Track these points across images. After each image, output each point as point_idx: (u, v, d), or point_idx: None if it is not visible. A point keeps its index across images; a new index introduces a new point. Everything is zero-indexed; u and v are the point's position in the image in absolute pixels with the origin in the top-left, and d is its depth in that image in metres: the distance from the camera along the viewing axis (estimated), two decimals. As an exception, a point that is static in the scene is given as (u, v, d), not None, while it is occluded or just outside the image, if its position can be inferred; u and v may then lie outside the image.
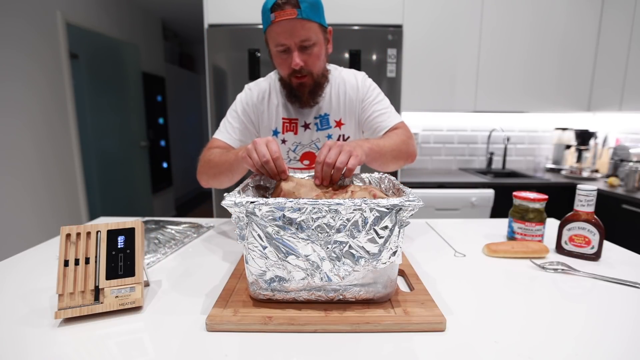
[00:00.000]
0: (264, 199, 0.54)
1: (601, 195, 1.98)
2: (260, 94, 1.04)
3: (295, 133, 1.04)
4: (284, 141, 1.04)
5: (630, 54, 2.17)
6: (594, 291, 0.68)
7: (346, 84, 1.04)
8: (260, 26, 1.97)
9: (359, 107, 1.04)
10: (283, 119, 1.03)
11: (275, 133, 1.04)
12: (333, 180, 0.73)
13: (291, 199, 0.54)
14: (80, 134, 2.76)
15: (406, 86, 2.28)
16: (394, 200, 0.54)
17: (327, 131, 1.05)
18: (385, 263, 0.56)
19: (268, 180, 0.80)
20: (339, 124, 1.05)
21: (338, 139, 1.06)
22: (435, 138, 2.76)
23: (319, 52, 0.91)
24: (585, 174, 2.38)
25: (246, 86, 1.07)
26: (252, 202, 0.53)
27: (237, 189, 0.62)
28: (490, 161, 2.75)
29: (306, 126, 1.04)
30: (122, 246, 0.61)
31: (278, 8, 0.84)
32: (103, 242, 0.61)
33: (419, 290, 0.65)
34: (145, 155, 3.74)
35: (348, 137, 1.07)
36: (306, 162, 1.06)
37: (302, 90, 0.95)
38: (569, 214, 0.86)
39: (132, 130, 3.51)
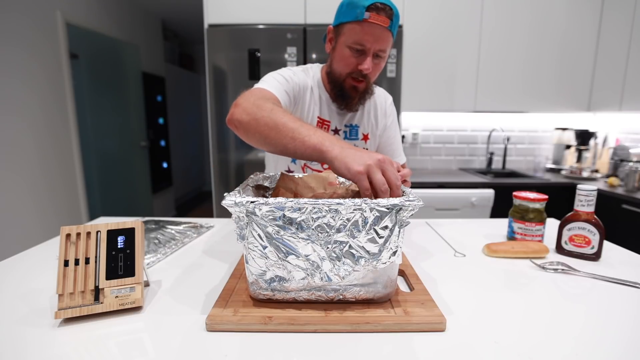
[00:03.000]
0: (264, 198, 0.54)
1: (601, 195, 1.98)
2: (302, 82, 0.98)
3: None
4: None
5: (630, 54, 2.17)
6: (594, 291, 0.68)
7: (377, 104, 1.08)
8: (261, 26, 1.97)
9: (381, 130, 1.10)
10: (318, 117, 1.01)
11: None
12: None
13: (291, 199, 0.54)
14: (80, 134, 2.76)
15: (406, 86, 2.29)
16: (394, 200, 0.54)
17: (354, 142, 1.06)
18: (385, 263, 0.56)
19: (267, 179, 0.80)
20: (365, 137, 1.07)
21: None
22: (435, 138, 2.76)
23: (382, 65, 0.94)
24: (585, 174, 2.38)
25: (287, 68, 0.98)
26: (252, 202, 0.53)
27: (237, 188, 0.63)
28: (490, 161, 2.75)
29: (336, 131, 1.04)
30: (122, 246, 0.61)
31: (375, 10, 0.83)
32: (103, 242, 0.61)
33: (419, 290, 0.65)
34: (145, 155, 3.74)
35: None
36: (326, 165, 1.07)
37: (355, 94, 0.96)
38: (569, 214, 0.86)
39: (132, 130, 3.51)
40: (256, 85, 0.88)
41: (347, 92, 0.96)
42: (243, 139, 0.74)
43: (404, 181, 0.74)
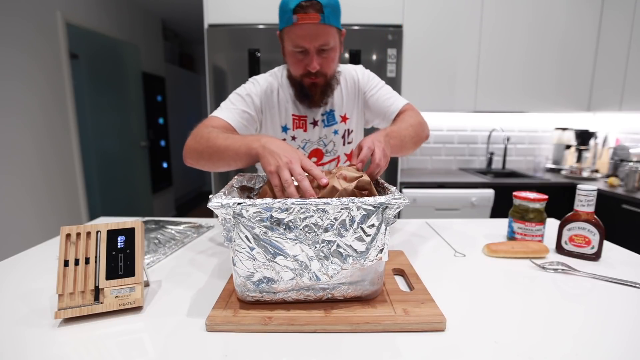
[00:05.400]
0: (251, 200, 0.54)
1: (601, 195, 1.98)
2: (268, 87, 1.01)
3: (305, 130, 1.04)
4: (293, 138, 1.04)
5: (630, 54, 2.17)
6: (594, 291, 0.68)
7: (347, 79, 1.06)
8: (261, 26, 1.97)
9: (362, 98, 1.06)
10: (293, 115, 1.03)
11: (285, 129, 1.03)
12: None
13: (279, 199, 0.53)
14: (80, 134, 2.76)
15: (406, 86, 2.28)
16: (381, 199, 0.54)
17: (334, 127, 1.06)
18: (372, 261, 0.56)
19: (252, 180, 0.79)
20: (344, 118, 1.07)
21: (344, 134, 1.08)
22: (435, 138, 2.76)
23: (334, 56, 0.93)
24: (585, 174, 2.38)
25: (251, 79, 1.04)
26: (239, 204, 0.53)
27: (223, 190, 0.62)
28: (490, 161, 2.75)
29: (315, 123, 1.05)
30: (122, 246, 0.61)
31: (301, 10, 0.83)
32: (103, 242, 0.61)
33: (419, 290, 0.65)
34: (145, 155, 3.74)
35: (352, 131, 1.08)
36: (314, 159, 1.06)
37: (314, 90, 0.96)
38: (569, 214, 0.86)
39: (132, 130, 3.51)
40: (212, 114, 0.94)
41: (308, 90, 0.96)
42: (194, 165, 0.86)
43: (376, 165, 0.71)
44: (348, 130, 1.08)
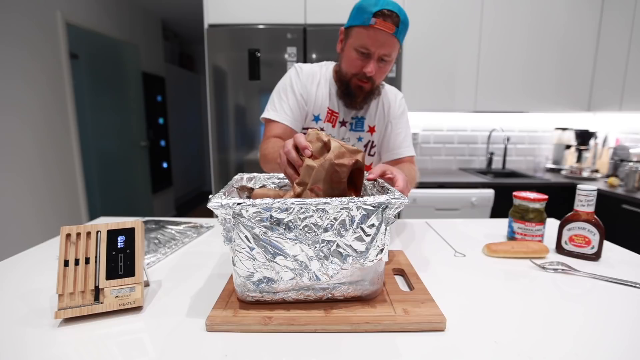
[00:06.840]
0: (251, 200, 0.54)
1: (601, 195, 1.98)
2: (310, 75, 1.06)
3: (333, 126, 1.08)
4: (322, 129, 1.07)
5: (630, 54, 2.17)
6: (593, 291, 0.68)
7: (388, 97, 1.10)
8: (261, 26, 1.97)
9: (388, 121, 1.11)
10: (328, 108, 1.06)
11: (317, 119, 1.07)
12: None
13: (278, 199, 0.54)
14: (80, 134, 2.76)
15: (406, 86, 2.28)
16: (380, 198, 0.54)
17: (360, 133, 1.09)
18: (372, 261, 0.56)
19: (251, 180, 0.79)
20: (372, 129, 1.10)
21: (367, 144, 1.11)
22: (435, 138, 2.76)
23: (388, 68, 0.98)
24: (585, 174, 2.38)
25: (295, 65, 1.09)
26: (238, 204, 0.53)
27: (222, 190, 0.63)
28: (490, 161, 2.75)
29: (343, 123, 1.08)
30: (122, 246, 0.61)
31: (381, 16, 0.87)
32: (103, 242, 0.61)
33: (419, 289, 0.65)
34: (145, 155, 3.74)
35: (375, 145, 1.12)
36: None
37: (359, 93, 1.00)
38: (569, 214, 0.86)
39: (132, 130, 3.51)
40: (266, 114, 1.04)
41: (352, 90, 1.00)
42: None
43: (388, 178, 0.71)
44: (372, 142, 1.11)
